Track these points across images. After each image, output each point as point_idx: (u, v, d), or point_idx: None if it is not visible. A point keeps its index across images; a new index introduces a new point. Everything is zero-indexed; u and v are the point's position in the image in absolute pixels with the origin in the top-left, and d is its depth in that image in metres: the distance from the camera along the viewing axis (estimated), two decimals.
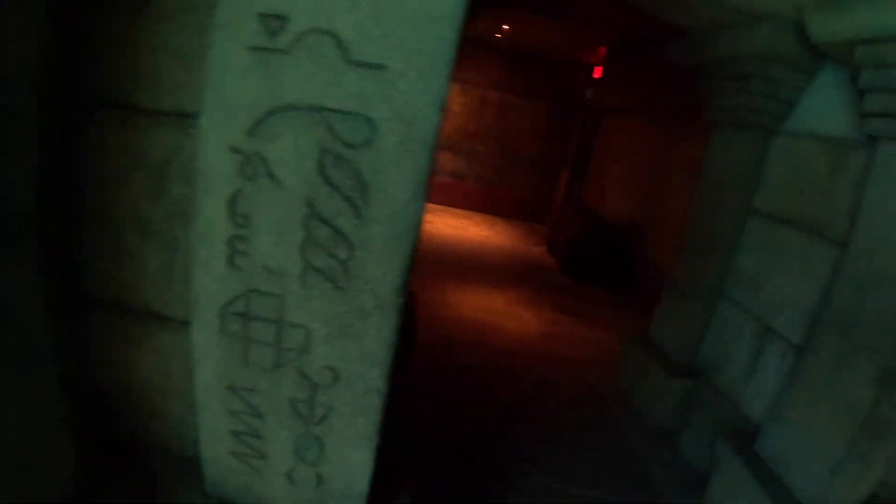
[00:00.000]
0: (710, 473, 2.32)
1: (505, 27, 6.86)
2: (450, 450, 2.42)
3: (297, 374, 1.22)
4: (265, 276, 1.15)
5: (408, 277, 1.16)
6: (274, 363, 1.22)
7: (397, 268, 1.13)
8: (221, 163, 1.09)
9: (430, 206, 9.30)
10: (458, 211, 8.77)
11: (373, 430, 1.27)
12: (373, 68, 1.02)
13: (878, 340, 1.74)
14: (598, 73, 7.40)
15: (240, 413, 1.27)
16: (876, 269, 1.78)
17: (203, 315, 1.20)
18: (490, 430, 2.64)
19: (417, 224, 1.13)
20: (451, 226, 7.56)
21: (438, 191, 8.95)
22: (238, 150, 1.07)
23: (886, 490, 1.91)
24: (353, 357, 1.20)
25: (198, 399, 1.28)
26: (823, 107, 2.22)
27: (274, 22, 1.00)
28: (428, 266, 5.17)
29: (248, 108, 1.05)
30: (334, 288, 1.14)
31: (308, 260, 1.13)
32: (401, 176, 1.07)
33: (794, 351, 2.20)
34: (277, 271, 1.14)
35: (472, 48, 8.45)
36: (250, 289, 1.16)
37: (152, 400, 1.45)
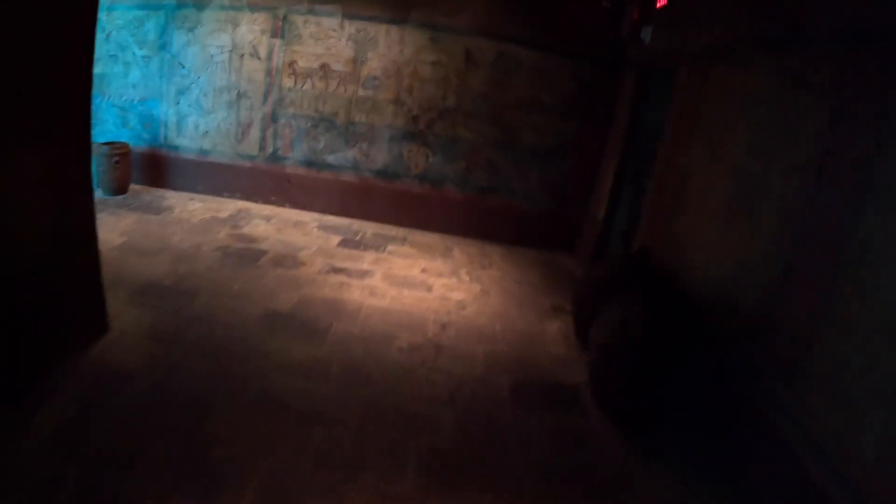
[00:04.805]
0: None
1: None
2: None
3: None
4: None
5: None
6: None
7: None
8: None
9: (386, 230, 5.29)
10: (431, 237, 5.50)
11: None
12: None
13: None
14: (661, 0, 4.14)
15: None
16: None
17: None
18: None
19: None
20: (399, 280, 4.30)
21: (399, 205, 5.67)
22: None
23: None
24: None
25: None
26: None
27: None
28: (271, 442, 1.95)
29: None
30: None
31: None
32: None
33: None
34: None
35: None
36: None
37: None
